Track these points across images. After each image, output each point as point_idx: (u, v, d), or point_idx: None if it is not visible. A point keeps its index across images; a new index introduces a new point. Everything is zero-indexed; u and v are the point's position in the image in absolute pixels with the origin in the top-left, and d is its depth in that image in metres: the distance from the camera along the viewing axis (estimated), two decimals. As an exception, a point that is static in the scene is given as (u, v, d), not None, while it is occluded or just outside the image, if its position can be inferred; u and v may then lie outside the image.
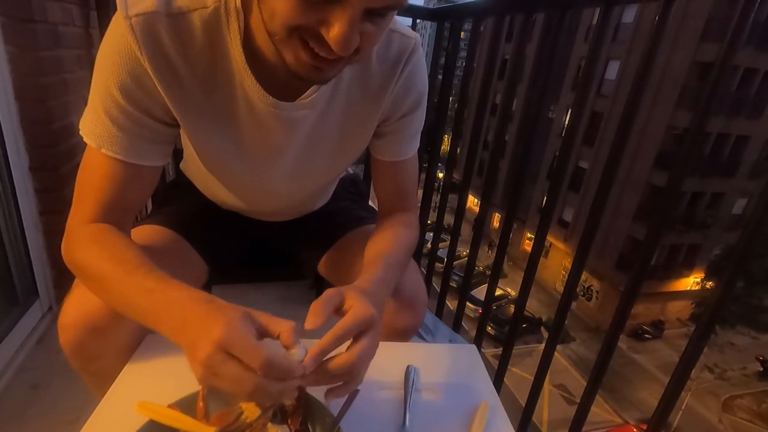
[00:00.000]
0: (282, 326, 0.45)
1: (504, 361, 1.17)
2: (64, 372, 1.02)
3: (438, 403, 0.65)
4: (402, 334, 0.77)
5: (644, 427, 9.54)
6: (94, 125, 0.57)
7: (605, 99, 14.96)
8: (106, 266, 0.52)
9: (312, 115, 0.66)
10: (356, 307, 0.48)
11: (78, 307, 0.60)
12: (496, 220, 17.00)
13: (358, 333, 0.48)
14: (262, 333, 0.45)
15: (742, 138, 13.54)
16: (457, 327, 1.38)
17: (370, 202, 1.11)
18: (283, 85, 0.60)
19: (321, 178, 0.82)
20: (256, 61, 0.58)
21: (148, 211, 0.99)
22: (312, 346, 0.46)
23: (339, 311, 0.50)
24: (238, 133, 0.66)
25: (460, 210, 1.44)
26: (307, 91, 0.62)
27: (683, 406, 10.86)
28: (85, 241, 0.56)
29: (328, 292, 0.50)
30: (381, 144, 0.75)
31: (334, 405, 0.55)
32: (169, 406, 0.52)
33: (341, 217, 0.95)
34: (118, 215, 0.60)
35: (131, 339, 0.67)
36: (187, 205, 0.90)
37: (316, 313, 0.47)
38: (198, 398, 0.53)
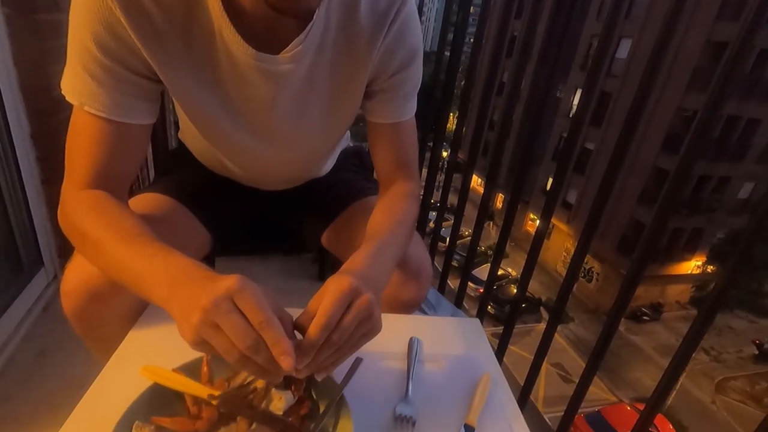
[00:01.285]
0: (284, 314, 0.44)
1: (506, 336, 1.18)
2: (71, 339, 1.03)
3: (440, 374, 0.65)
4: (407, 307, 0.77)
5: (639, 406, 9.75)
6: (74, 82, 0.55)
7: (615, 79, 14.65)
8: (104, 233, 0.51)
9: (298, 72, 0.64)
10: (332, 285, 0.45)
11: (79, 273, 0.60)
12: (500, 200, 16.94)
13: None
14: None
15: (754, 121, 13.29)
16: (459, 303, 1.38)
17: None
18: (265, 36, 0.58)
19: (315, 142, 0.79)
20: (235, 8, 0.55)
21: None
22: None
23: None
24: (222, 88, 0.64)
25: (465, 190, 1.42)
26: (291, 44, 0.59)
27: (677, 387, 11.05)
28: (81, 207, 0.55)
29: (310, 303, 0.47)
30: (374, 105, 0.73)
31: (338, 373, 0.55)
32: (174, 370, 0.52)
33: (344, 189, 0.94)
34: (111, 182, 0.59)
35: (134, 306, 0.67)
36: (188, 174, 0.89)
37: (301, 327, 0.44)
38: (202, 363, 0.53)
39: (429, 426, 0.56)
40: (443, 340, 0.73)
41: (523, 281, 1.19)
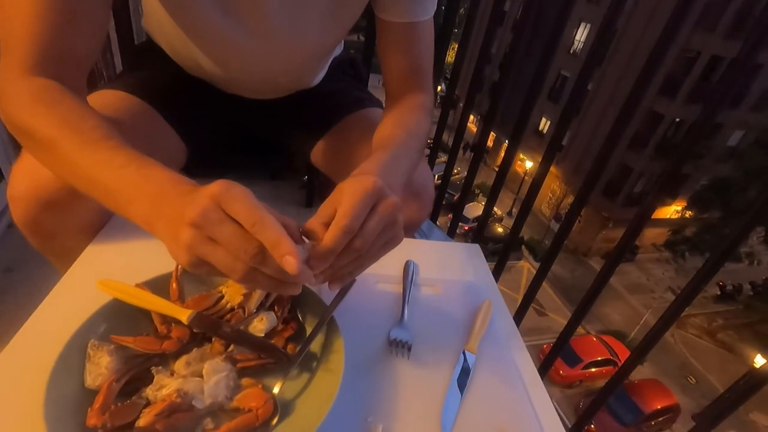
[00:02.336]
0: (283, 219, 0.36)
1: (498, 270, 1.15)
2: (40, 255, 0.97)
3: (438, 299, 0.61)
4: (406, 228, 0.70)
5: (604, 337, 10.49)
6: None
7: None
8: (59, 134, 0.41)
9: None
10: (353, 185, 0.39)
11: (29, 176, 0.51)
12: (490, 139, 16.67)
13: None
14: None
15: (756, 66, 12.91)
16: (452, 233, 1.34)
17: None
18: None
19: (314, 39, 0.68)
20: None
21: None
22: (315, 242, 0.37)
23: None
24: None
25: (461, 129, 1.31)
26: None
27: (642, 322, 11.84)
28: (26, 98, 0.44)
29: (322, 206, 0.40)
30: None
31: (327, 295, 0.49)
32: (137, 285, 0.45)
33: (337, 100, 0.83)
34: (60, 68, 0.47)
35: (95, 215, 0.58)
36: (157, 71, 0.76)
37: (312, 231, 0.38)
38: (171, 279, 0.47)
39: (425, 351, 0.51)
40: (441, 265, 0.68)
41: (516, 225, 1.14)
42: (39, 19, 0.45)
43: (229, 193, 0.33)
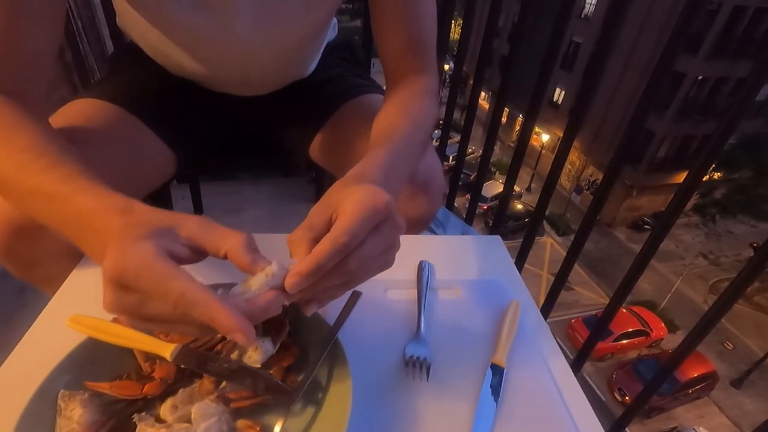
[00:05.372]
0: (229, 241, 0.31)
1: (523, 254, 1.07)
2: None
3: (458, 304, 0.54)
4: (414, 224, 0.63)
5: (634, 308, 10.26)
6: None
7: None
8: None
9: None
10: (359, 197, 0.33)
11: None
12: (504, 115, 16.23)
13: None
14: (199, 251, 0.31)
15: (784, 13, 12.10)
16: (470, 219, 1.26)
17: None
18: None
19: (294, 28, 0.61)
20: None
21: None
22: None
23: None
24: None
25: (473, 106, 1.22)
26: None
27: (673, 289, 11.52)
28: None
29: (313, 212, 0.35)
30: None
31: (331, 310, 0.43)
32: (114, 320, 0.40)
33: (333, 87, 0.76)
34: (12, 71, 0.42)
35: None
36: (136, 74, 0.70)
37: (298, 245, 0.32)
38: (152, 309, 0.41)
39: (447, 369, 0.45)
40: (459, 263, 0.61)
41: (539, 208, 1.05)
42: None
43: (125, 275, 0.27)
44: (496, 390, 0.44)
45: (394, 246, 0.35)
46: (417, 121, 0.51)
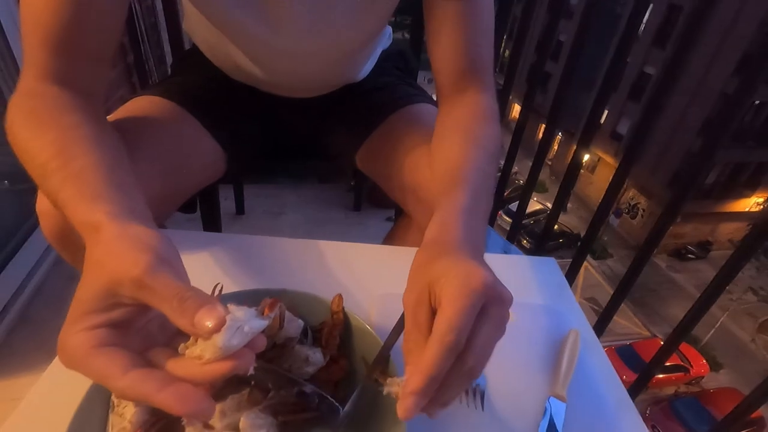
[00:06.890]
0: (168, 298, 0.26)
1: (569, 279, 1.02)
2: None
3: (513, 329, 0.50)
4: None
5: (674, 341, 9.69)
6: None
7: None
8: (45, 159, 0.35)
9: None
10: (455, 283, 0.30)
11: None
12: (540, 131, 15.92)
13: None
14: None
15: None
16: (512, 238, 1.22)
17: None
18: None
19: (347, 35, 0.61)
20: None
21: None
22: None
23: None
24: None
25: (520, 126, 1.20)
26: None
27: (717, 324, 10.82)
28: (23, 112, 0.40)
29: (409, 303, 0.32)
30: None
31: (381, 329, 0.41)
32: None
33: (384, 94, 0.75)
34: (73, 64, 0.43)
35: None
36: (195, 76, 0.72)
37: (415, 354, 0.30)
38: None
39: (503, 398, 0.42)
40: (511, 284, 0.58)
41: (589, 234, 1.00)
42: (48, 13, 0.41)
43: (66, 363, 0.26)
44: (553, 425, 0.40)
45: (504, 321, 0.32)
46: (489, 151, 0.48)
